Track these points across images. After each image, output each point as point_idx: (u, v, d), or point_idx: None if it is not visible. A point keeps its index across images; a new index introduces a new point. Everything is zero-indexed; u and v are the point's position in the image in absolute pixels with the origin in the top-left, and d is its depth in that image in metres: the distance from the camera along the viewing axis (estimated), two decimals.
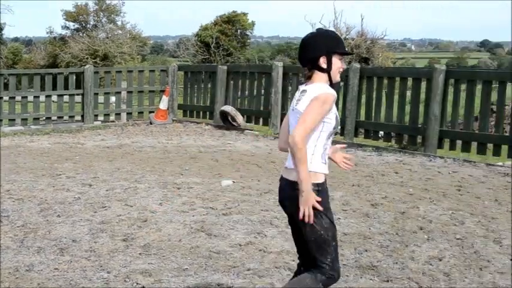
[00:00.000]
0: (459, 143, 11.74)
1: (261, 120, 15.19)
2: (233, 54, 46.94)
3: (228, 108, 15.16)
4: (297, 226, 3.85)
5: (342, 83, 13.94)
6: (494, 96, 12.07)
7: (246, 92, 15.92)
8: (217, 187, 8.60)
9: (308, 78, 3.86)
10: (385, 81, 13.10)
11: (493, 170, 10.18)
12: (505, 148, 11.13)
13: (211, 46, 45.57)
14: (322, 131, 3.78)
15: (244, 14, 49.60)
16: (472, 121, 11.85)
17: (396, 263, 5.70)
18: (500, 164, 10.75)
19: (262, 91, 15.23)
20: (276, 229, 6.61)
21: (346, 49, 3.95)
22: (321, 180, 3.79)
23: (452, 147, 11.83)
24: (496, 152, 11.27)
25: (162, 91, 16.75)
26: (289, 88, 14.71)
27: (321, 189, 3.77)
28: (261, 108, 15.17)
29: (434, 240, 6.36)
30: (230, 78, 15.97)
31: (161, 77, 17.37)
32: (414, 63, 71.39)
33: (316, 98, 3.69)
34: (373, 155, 11.57)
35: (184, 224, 6.79)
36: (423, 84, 12.47)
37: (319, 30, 3.98)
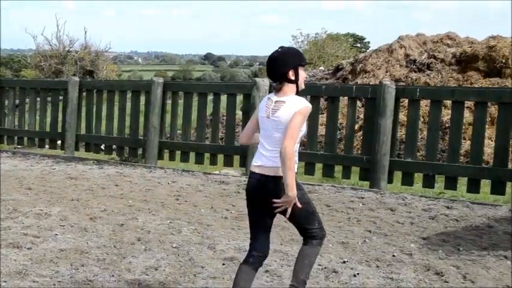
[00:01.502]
0: (178, 153, 12.07)
1: None
2: None
3: None
4: (267, 213, 4.50)
5: (61, 97, 13.73)
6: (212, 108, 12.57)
7: None
8: None
9: (279, 90, 4.45)
10: (105, 94, 13.05)
11: (210, 179, 10.58)
12: (220, 157, 11.64)
13: None
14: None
15: None
16: (189, 132, 12.24)
17: (113, 275, 5.67)
18: (216, 172, 11.23)
19: None
20: None
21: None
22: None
23: (172, 157, 12.11)
24: (213, 161, 11.74)
25: None
26: None
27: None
28: None
29: (151, 250, 6.44)
30: None
31: None
32: (142, 76, 72.33)
33: (300, 112, 4.31)
34: (94, 169, 11.46)
35: None
36: (142, 97, 12.62)
37: (283, 48, 4.54)
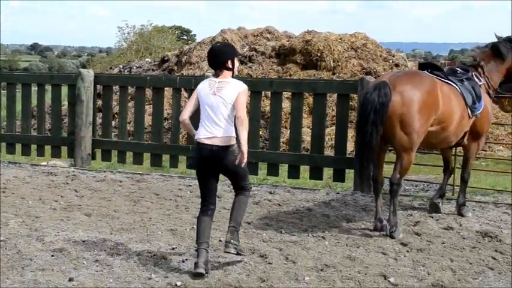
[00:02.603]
0: (4, 145, 11.79)
1: None
2: None
3: None
4: (218, 173, 5.82)
5: None
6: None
7: None
8: None
9: (218, 75, 5.75)
10: None
11: (38, 170, 10.45)
12: (48, 148, 11.51)
13: None
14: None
15: None
16: (14, 123, 11.93)
17: None
18: (44, 163, 11.10)
19: None
20: None
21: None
22: None
23: None
24: (40, 153, 11.57)
25: None
26: None
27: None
28: None
29: None
30: None
31: None
32: None
33: (243, 92, 5.69)
34: None
35: None
36: None
37: (221, 43, 6.62)
